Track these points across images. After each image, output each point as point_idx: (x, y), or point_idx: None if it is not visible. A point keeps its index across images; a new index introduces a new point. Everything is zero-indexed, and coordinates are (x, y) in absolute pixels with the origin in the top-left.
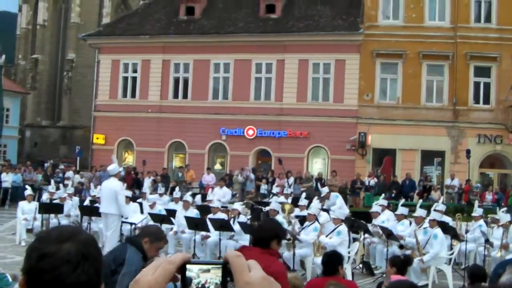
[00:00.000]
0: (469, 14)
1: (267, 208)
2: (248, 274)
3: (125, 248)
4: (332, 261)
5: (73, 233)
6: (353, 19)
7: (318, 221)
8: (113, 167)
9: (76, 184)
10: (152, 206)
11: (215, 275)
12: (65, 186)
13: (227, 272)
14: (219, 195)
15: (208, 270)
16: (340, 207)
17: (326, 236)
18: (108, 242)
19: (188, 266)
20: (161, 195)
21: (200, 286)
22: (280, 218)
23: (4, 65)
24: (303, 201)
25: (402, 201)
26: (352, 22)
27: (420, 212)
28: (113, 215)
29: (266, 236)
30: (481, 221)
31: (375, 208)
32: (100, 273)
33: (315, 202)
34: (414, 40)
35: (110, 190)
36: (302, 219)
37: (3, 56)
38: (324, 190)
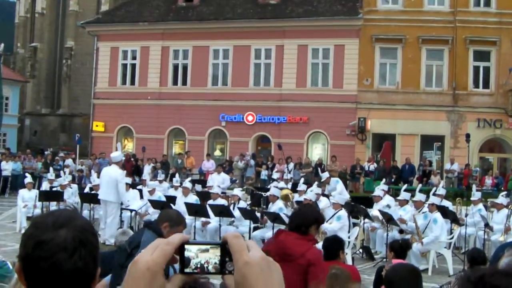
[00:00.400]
0: None
1: (267, 194)
2: (247, 254)
3: (142, 232)
4: (333, 245)
5: (69, 218)
6: (352, 4)
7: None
8: (116, 155)
9: (76, 172)
10: (151, 192)
11: (213, 255)
12: (65, 173)
13: (225, 252)
14: (218, 181)
15: (206, 250)
16: (340, 192)
17: (326, 222)
18: (108, 229)
19: (186, 246)
20: (160, 181)
21: (199, 266)
22: (280, 204)
23: (3, 54)
24: (301, 187)
25: (405, 186)
26: (351, 7)
27: (419, 196)
28: (112, 202)
29: (305, 222)
30: (481, 205)
31: (377, 192)
32: (96, 258)
33: (314, 187)
34: (413, 24)
35: (111, 177)
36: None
37: (2, 45)
38: (324, 175)
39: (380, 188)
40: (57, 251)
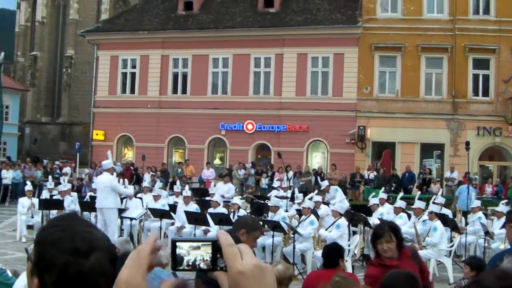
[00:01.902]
0: (468, 6)
1: (268, 203)
2: (241, 263)
3: None
4: (333, 253)
5: (96, 241)
6: (351, 12)
7: (314, 214)
8: (106, 162)
9: (76, 180)
10: (156, 198)
11: (205, 252)
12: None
13: (217, 249)
14: (223, 190)
15: (198, 247)
16: (340, 200)
17: (326, 230)
18: (110, 236)
19: (178, 244)
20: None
21: (190, 263)
22: (282, 213)
23: (3, 63)
24: (298, 196)
25: (401, 194)
26: (351, 16)
27: (418, 204)
28: (109, 209)
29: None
30: (480, 213)
31: (372, 201)
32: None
33: (314, 195)
34: (412, 33)
35: (104, 184)
36: (300, 213)
37: (2, 54)
38: (324, 183)
39: (378, 197)
40: (98, 277)
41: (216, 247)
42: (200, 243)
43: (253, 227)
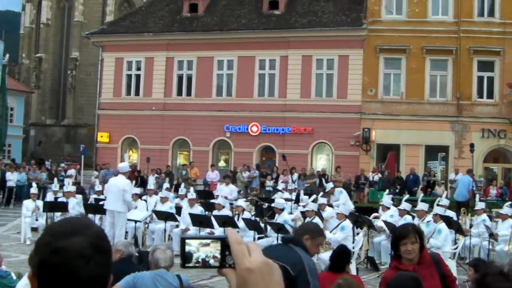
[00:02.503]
0: (473, 8)
1: (273, 206)
2: (249, 260)
3: (288, 250)
4: (341, 258)
5: (85, 226)
6: (356, 14)
7: (319, 216)
8: (124, 165)
9: (82, 183)
10: (164, 200)
11: (214, 249)
12: (74, 184)
13: (225, 246)
14: (225, 192)
15: (207, 244)
16: (344, 202)
17: (330, 232)
18: (117, 239)
19: (187, 241)
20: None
21: (200, 260)
22: (285, 215)
23: (8, 64)
24: (303, 198)
25: (406, 196)
26: (355, 18)
27: (421, 206)
28: (120, 212)
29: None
30: (484, 215)
31: (385, 202)
32: (110, 265)
33: (319, 198)
34: (417, 35)
35: (118, 188)
36: (304, 215)
37: (7, 55)
38: (329, 185)
39: (382, 201)
40: (74, 258)
41: (225, 244)
42: (209, 240)
43: (317, 232)
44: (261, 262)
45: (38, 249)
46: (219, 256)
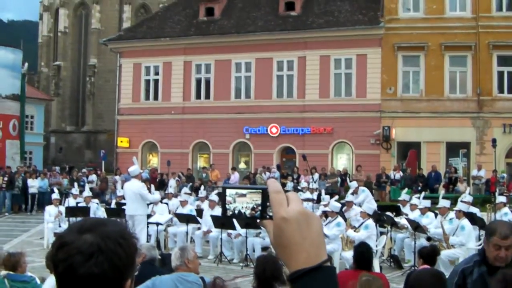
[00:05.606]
0: (491, 3)
1: None
2: (286, 209)
3: None
4: (365, 254)
5: (98, 224)
6: (373, 13)
7: (341, 215)
8: (133, 169)
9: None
10: (183, 203)
11: (251, 200)
12: (90, 189)
13: (266, 197)
14: None
15: (244, 195)
16: (367, 201)
17: (354, 230)
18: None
19: (227, 190)
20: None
21: (236, 211)
22: None
23: (27, 73)
24: (325, 198)
25: (423, 194)
26: (372, 16)
27: (443, 203)
28: (139, 215)
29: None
30: (507, 209)
31: (403, 197)
32: (121, 268)
33: (349, 195)
34: (435, 31)
35: (133, 192)
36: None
37: (26, 64)
38: (353, 184)
39: (403, 198)
40: (74, 254)
41: (265, 195)
42: (246, 191)
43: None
44: (298, 212)
45: (52, 243)
46: (255, 207)
